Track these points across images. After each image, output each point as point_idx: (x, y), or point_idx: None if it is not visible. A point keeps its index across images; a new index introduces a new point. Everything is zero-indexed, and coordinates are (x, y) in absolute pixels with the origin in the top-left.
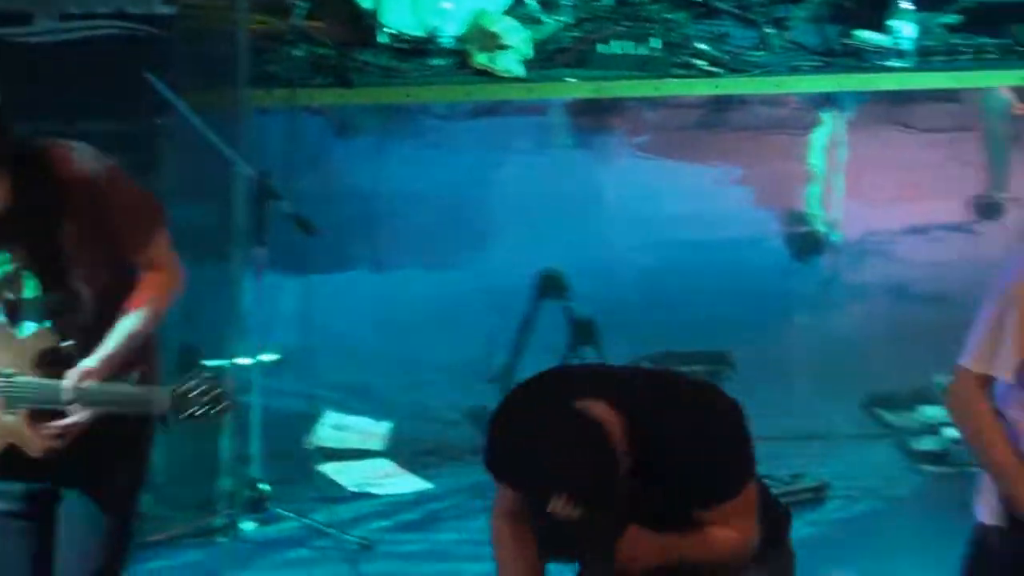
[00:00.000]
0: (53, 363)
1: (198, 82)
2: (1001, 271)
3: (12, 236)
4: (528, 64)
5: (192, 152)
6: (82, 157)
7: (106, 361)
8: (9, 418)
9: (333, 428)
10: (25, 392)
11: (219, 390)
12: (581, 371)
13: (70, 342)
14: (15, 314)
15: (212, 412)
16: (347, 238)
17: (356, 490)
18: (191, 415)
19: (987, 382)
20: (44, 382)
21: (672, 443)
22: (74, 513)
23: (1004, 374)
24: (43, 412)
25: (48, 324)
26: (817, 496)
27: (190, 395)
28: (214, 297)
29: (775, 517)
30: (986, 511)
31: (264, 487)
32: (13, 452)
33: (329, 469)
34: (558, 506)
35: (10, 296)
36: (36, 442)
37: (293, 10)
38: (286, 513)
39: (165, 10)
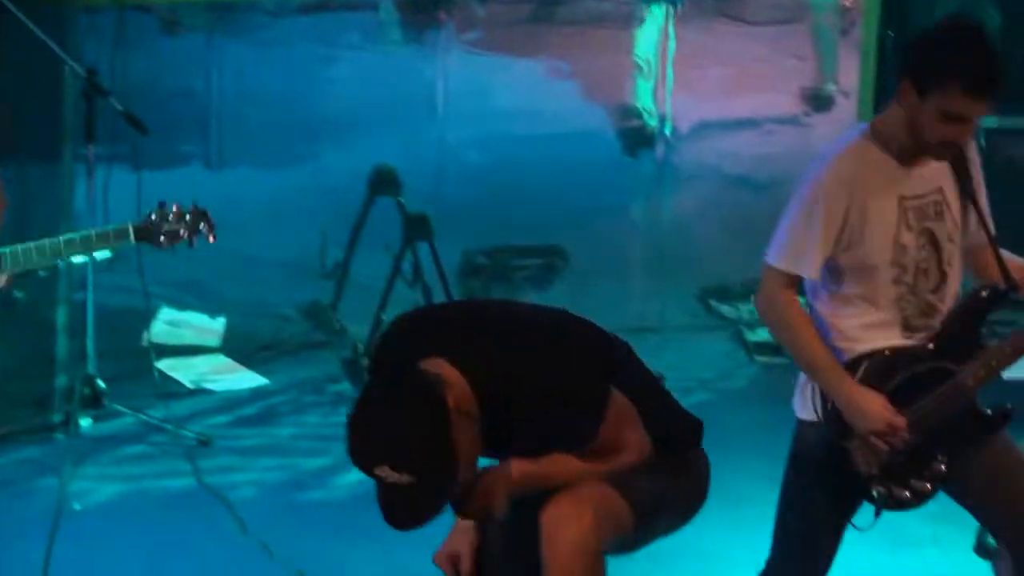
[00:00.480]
0: None
1: None
2: (806, 169)
3: None
4: None
5: (21, 50)
6: None
7: None
8: None
9: (168, 325)
10: None
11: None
12: (429, 323)
13: None
14: None
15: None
16: (179, 135)
17: (193, 386)
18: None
19: (796, 279)
20: None
21: (520, 400)
22: None
23: (812, 274)
24: None
25: None
26: None
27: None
28: (46, 196)
29: (680, 431)
30: (802, 407)
31: (100, 384)
32: None
33: (165, 365)
34: (385, 472)
35: None
36: None
37: None
38: (123, 409)
39: None
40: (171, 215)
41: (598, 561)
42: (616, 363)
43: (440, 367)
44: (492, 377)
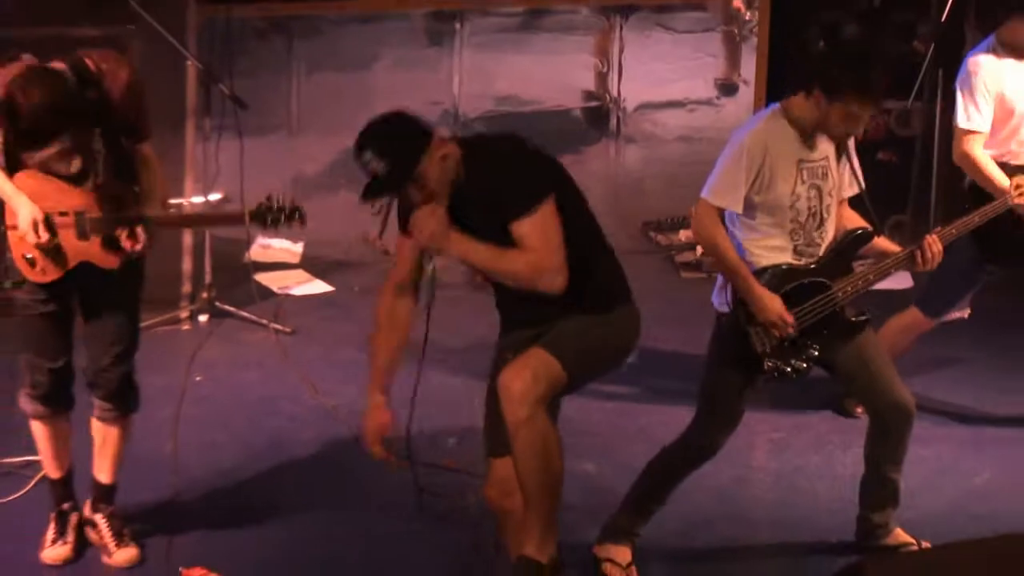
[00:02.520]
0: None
1: None
2: (739, 128)
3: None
4: None
5: (156, 47)
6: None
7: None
8: (83, 242)
9: (262, 248)
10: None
11: (288, 205)
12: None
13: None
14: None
15: (285, 218)
16: (269, 111)
17: (280, 292)
18: (270, 222)
19: (721, 211)
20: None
21: (483, 170)
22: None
23: (737, 207)
24: (112, 238)
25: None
26: None
27: (269, 208)
28: (174, 158)
29: (611, 287)
30: (719, 301)
31: (213, 291)
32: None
33: (261, 277)
34: (369, 156)
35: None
36: (107, 260)
37: None
38: (230, 309)
39: None
40: (275, 204)
41: (539, 404)
42: (563, 188)
43: (449, 140)
44: (473, 154)
